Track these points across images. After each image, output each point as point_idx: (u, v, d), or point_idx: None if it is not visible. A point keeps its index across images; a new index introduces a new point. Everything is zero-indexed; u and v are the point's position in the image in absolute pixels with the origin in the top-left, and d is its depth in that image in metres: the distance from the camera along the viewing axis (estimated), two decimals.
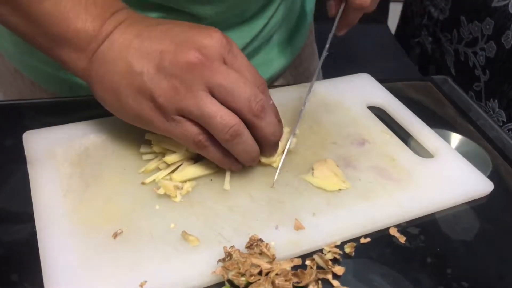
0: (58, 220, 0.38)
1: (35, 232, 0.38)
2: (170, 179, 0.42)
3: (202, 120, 0.38)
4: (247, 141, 0.40)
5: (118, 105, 0.40)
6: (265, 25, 0.61)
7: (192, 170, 0.43)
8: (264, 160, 0.44)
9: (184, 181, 0.42)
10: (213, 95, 0.38)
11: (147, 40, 0.39)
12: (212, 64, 0.38)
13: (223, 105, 0.38)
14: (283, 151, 0.44)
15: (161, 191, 0.41)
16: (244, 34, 0.60)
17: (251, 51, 0.62)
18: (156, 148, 0.44)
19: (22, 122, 0.47)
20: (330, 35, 0.50)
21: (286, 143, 0.45)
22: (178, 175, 0.42)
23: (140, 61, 0.38)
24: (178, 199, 0.41)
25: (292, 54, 0.68)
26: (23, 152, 0.44)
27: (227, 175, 0.43)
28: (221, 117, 0.38)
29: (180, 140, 0.40)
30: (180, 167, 0.43)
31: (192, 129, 0.39)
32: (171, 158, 0.42)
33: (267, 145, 0.42)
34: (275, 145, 0.43)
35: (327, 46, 0.49)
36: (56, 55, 0.42)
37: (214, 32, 0.39)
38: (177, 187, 0.41)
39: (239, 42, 0.59)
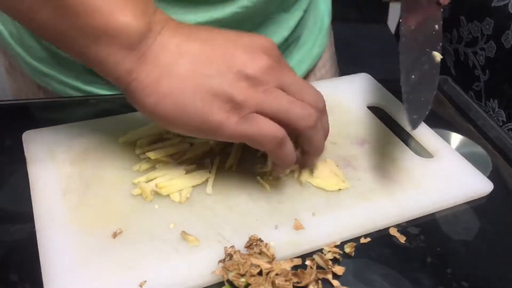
0: (57, 220, 0.38)
1: (35, 232, 0.38)
2: (156, 186, 0.41)
3: (282, 111, 0.38)
4: (321, 129, 0.41)
5: (177, 111, 0.37)
6: (300, 19, 0.61)
7: (180, 183, 0.42)
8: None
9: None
10: (285, 92, 0.39)
11: (206, 45, 0.37)
12: (280, 65, 0.39)
13: None
14: None
15: (136, 192, 0.41)
16: (283, 25, 0.60)
17: (285, 48, 0.62)
18: (150, 155, 0.43)
19: (22, 122, 0.47)
20: None
21: None
22: (166, 189, 0.41)
23: (207, 65, 0.37)
24: (177, 199, 0.41)
25: (316, 56, 0.68)
26: (23, 152, 0.44)
27: (210, 180, 0.42)
28: (300, 105, 0.38)
29: (256, 139, 0.38)
30: (167, 178, 0.42)
31: (271, 125, 0.38)
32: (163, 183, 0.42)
33: (325, 137, 0.43)
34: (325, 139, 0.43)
35: None
36: (93, 54, 0.36)
37: (266, 38, 0.40)
38: (154, 192, 0.41)
39: (279, 36, 0.60)
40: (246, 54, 0.37)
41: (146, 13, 0.36)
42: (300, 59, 0.66)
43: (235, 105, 0.37)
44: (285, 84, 0.38)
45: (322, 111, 0.41)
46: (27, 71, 0.61)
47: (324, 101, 0.41)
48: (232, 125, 0.37)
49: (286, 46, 0.63)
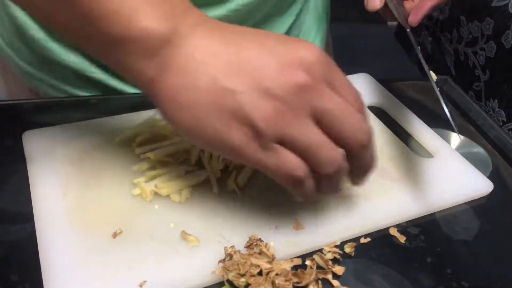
0: (57, 220, 0.38)
1: (35, 232, 0.38)
2: (156, 186, 0.41)
3: (306, 150, 0.33)
4: (343, 175, 0.36)
5: (195, 126, 0.33)
6: (293, 23, 0.61)
7: (180, 183, 0.41)
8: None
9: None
10: (318, 120, 0.33)
11: (238, 52, 0.33)
12: (319, 86, 0.33)
13: (327, 133, 0.34)
14: None
15: (135, 192, 0.41)
16: (276, 29, 0.59)
17: None
18: (150, 155, 0.43)
19: (22, 122, 0.47)
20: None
21: None
22: (166, 189, 0.41)
23: (232, 77, 0.32)
24: (177, 199, 0.41)
25: None
26: (23, 152, 0.44)
27: (213, 180, 0.42)
28: (328, 149, 0.33)
29: (273, 172, 0.34)
30: (167, 178, 0.42)
31: (293, 161, 0.33)
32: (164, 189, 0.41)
33: (361, 175, 0.38)
34: (368, 173, 0.38)
35: None
36: (116, 61, 0.34)
37: (314, 46, 0.34)
38: (154, 192, 0.41)
39: None
40: (279, 67, 0.32)
41: (171, 15, 0.33)
42: None
43: (254, 131, 0.32)
44: (321, 111, 0.33)
45: (362, 147, 0.35)
46: (17, 74, 0.60)
47: (369, 134, 0.35)
48: (251, 152, 0.33)
49: None
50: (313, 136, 0.33)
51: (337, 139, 0.34)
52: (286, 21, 0.61)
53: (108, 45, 0.33)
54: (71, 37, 0.36)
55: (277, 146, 0.33)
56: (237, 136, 0.33)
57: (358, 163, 0.36)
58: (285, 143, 0.33)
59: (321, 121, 0.33)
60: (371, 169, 0.38)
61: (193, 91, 0.33)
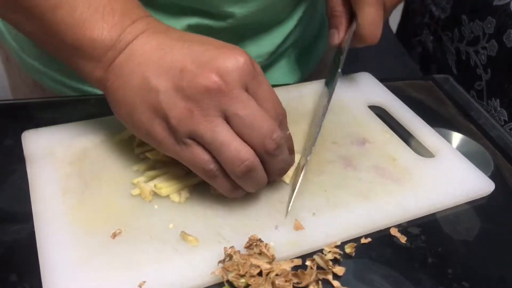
0: (57, 220, 0.38)
1: (34, 232, 0.37)
2: (155, 187, 0.41)
3: (214, 147, 0.36)
4: (258, 175, 0.38)
5: (130, 119, 0.38)
6: (293, 29, 0.61)
7: (179, 183, 0.41)
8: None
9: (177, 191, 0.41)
10: (229, 124, 0.36)
11: (168, 55, 0.36)
12: (232, 91, 0.35)
13: (238, 135, 0.36)
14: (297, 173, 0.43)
15: (135, 192, 0.41)
16: (275, 36, 0.59)
17: (276, 57, 0.62)
18: (150, 155, 0.43)
19: (22, 122, 0.47)
20: (339, 68, 0.51)
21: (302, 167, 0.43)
22: (165, 190, 0.41)
23: (158, 78, 0.36)
24: (177, 199, 0.41)
25: (313, 62, 0.68)
26: (23, 152, 0.44)
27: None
28: (235, 148, 0.36)
29: (189, 165, 0.38)
30: (167, 178, 0.42)
31: (203, 156, 0.37)
32: (164, 190, 0.41)
33: (273, 178, 0.41)
34: (280, 175, 0.41)
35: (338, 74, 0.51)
36: (73, 64, 0.40)
37: (240, 55, 0.36)
38: (154, 192, 0.41)
39: (267, 49, 0.59)
40: (197, 70, 0.35)
41: (119, 26, 0.38)
42: (298, 62, 0.65)
43: (170, 126, 0.36)
44: (230, 114, 0.36)
45: (270, 154, 0.37)
46: (22, 67, 0.61)
47: (277, 143, 0.37)
48: (170, 145, 0.37)
49: (284, 49, 0.62)
50: (221, 132, 0.36)
51: (247, 143, 0.36)
52: (286, 26, 0.61)
53: (65, 51, 0.40)
54: (37, 44, 0.42)
55: (190, 141, 0.36)
56: (158, 131, 0.37)
57: (268, 167, 0.39)
58: (197, 139, 0.36)
59: (231, 124, 0.36)
60: (281, 173, 0.40)
61: (128, 90, 0.37)
